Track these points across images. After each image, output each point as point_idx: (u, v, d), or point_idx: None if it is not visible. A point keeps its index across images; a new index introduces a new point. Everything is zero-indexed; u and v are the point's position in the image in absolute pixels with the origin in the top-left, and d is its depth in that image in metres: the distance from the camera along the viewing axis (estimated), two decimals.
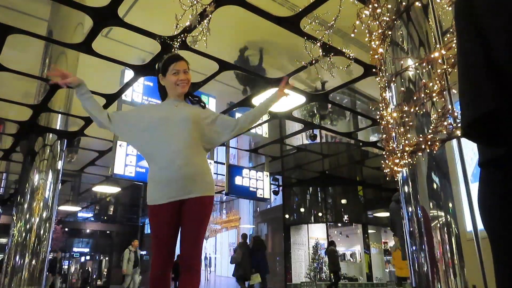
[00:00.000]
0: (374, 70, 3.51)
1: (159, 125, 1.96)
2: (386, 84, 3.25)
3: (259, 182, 8.68)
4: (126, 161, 6.66)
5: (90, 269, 21.04)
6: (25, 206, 6.83)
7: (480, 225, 3.59)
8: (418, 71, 3.02)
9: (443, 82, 2.78)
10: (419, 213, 3.04)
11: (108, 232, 21.39)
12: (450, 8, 3.34)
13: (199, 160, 1.98)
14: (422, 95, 2.86)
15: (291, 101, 6.49)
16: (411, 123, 2.95)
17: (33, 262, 6.54)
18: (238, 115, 7.27)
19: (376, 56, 3.31)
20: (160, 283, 1.89)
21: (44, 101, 6.22)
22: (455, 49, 3.19)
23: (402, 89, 3.13)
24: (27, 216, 6.77)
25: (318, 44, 4.62)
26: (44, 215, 6.88)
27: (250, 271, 8.43)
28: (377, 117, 3.42)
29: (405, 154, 2.93)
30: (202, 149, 2.03)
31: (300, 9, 4.26)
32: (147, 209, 1.98)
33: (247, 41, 5.28)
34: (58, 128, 7.31)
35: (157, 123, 1.97)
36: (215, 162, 8.74)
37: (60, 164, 7.35)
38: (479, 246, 3.54)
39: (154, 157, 1.96)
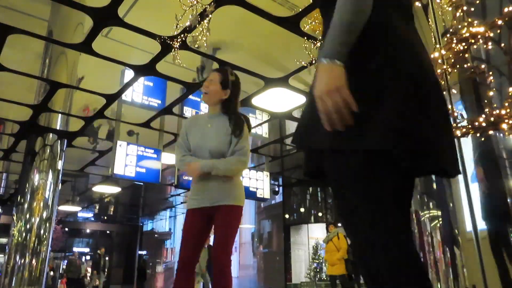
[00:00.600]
0: None
1: (194, 149, 2.25)
2: None
3: (259, 182, 8.68)
4: (126, 161, 6.66)
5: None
6: (25, 206, 6.83)
7: (480, 225, 3.59)
8: None
9: (442, 82, 2.78)
10: (419, 213, 3.04)
11: (108, 232, 21.39)
12: (450, 8, 3.34)
13: (228, 176, 2.20)
14: None
15: (291, 101, 6.50)
16: None
17: (33, 262, 6.53)
18: None
19: None
20: (184, 281, 2.08)
21: (44, 101, 6.22)
22: (455, 49, 3.19)
23: None
24: (27, 216, 6.76)
25: (318, 44, 4.62)
26: (44, 215, 6.88)
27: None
28: None
29: None
30: None
31: (300, 9, 4.26)
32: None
33: (247, 41, 5.28)
34: (58, 128, 7.31)
35: (193, 147, 2.25)
36: None
37: (60, 164, 7.35)
38: (479, 246, 3.54)
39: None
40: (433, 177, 3.02)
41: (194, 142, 2.25)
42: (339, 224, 7.39)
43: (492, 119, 3.22)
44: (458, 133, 2.81)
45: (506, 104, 3.31)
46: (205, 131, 2.25)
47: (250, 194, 8.59)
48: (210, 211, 2.17)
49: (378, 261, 0.82)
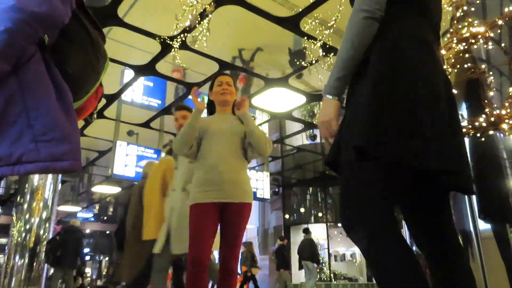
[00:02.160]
0: None
1: (213, 134, 2.18)
2: None
3: (259, 182, 8.68)
4: (126, 161, 6.66)
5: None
6: (25, 206, 6.83)
7: (480, 225, 3.58)
8: None
9: None
10: None
11: (108, 232, 21.39)
12: (450, 8, 3.33)
13: (240, 169, 2.17)
14: None
15: (291, 101, 6.50)
16: None
17: (33, 262, 6.53)
18: None
19: None
20: (198, 279, 1.94)
21: None
22: (455, 49, 3.19)
23: None
24: (27, 216, 6.76)
25: (318, 44, 4.62)
26: (44, 215, 6.87)
27: None
28: None
29: None
30: (244, 160, 2.23)
31: (300, 9, 4.26)
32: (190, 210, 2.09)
33: (247, 41, 5.28)
34: None
35: (211, 132, 2.19)
36: None
37: None
38: (479, 246, 3.54)
39: (202, 161, 2.17)
40: None
41: (214, 127, 2.20)
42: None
43: (492, 119, 3.22)
44: None
45: (506, 104, 3.31)
46: (222, 125, 2.23)
47: None
48: (222, 207, 2.07)
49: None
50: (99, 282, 20.17)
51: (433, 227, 1.06)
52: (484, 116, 3.28)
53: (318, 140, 9.03)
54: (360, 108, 0.99)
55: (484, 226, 3.41)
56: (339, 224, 13.93)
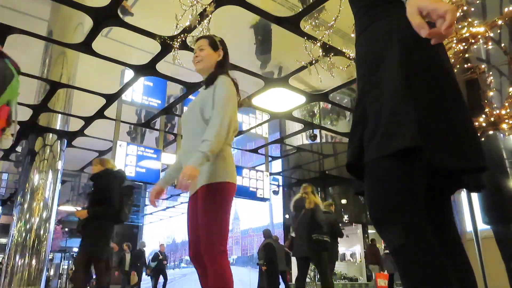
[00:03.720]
0: None
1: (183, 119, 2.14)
2: None
3: (259, 182, 8.68)
4: (126, 161, 6.66)
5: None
6: (25, 206, 6.82)
7: (480, 226, 3.59)
8: None
9: None
10: None
11: None
12: None
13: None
14: None
15: (291, 101, 6.50)
16: None
17: (33, 262, 6.53)
18: (238, 115, 7.26)
19: None
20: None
21: (44, 101, 6.22)
22: (455, 49, 3.20)
23: None
24: (27, 216, 6.76)
25: (318, 44, 4.62)
26: (44, 215, 6.87)
27: None
28: None
29: None
30: None
31: (300, 9, 4.27)
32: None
33: (247, 41, 5.28)
34: (58, 128, 7.32)
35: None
36: None
37: (60, 164, 7.35)
38: (479, 246, 3.54)
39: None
40: None
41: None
42: None
43: (492, 119, 3.22)
44: None
45: (506, 104, 3.31)
46: (189, 111, 2.08)
47: (250, 194, 8.60)
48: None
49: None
50: None
51: (437, 223, 1.07)
52: (484, 116, 3.29)
53: (318, 140, 9.04)
54: (393, 105, 0.97)
55: (484, 226, 3.41)
56: (339, 224, 13.93)
